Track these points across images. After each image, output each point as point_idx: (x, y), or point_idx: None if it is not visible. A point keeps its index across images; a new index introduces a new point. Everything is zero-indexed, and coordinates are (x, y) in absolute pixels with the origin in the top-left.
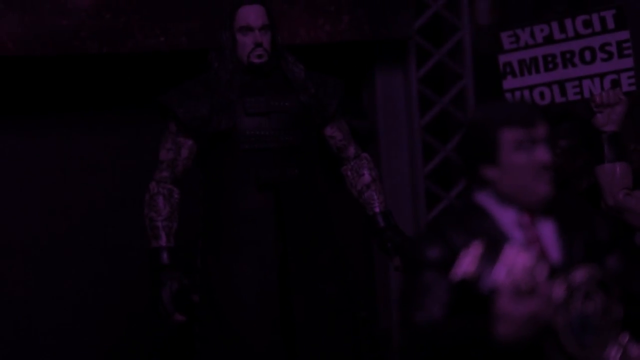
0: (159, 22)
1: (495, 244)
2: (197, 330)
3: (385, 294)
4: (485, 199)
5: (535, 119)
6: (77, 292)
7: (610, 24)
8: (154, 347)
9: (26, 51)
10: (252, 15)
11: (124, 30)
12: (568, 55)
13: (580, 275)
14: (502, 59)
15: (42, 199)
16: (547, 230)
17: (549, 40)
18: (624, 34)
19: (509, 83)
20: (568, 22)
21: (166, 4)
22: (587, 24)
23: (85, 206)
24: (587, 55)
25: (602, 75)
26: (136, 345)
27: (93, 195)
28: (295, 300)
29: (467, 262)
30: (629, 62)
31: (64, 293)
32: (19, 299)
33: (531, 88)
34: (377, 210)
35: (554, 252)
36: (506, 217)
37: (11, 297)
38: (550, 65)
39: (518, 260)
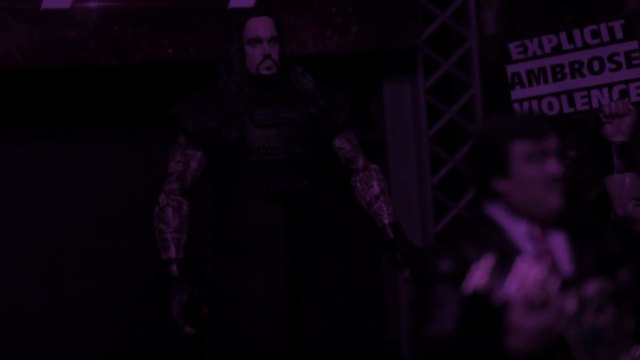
0: (167, 33)
1: (506, 256)
2: (207, 342)
3: (394, 306)
4: (496, 211)
5: (546, 130)
6: (85, 303)
7: (619, 34)
8: (163, 358)
9: (34, 63)
10: (260, 27)
11: (132, 41)
12: (576, 66)
13: (592, 287)
14: (510, 69)
15: (49, 210)
16: (559, 243)
17: (557, 50)
18: (633, 44)
19: (517, 93)
20: (576, 33)
21: (174, 16)
22: (596, 34)
23: (93, 218)
24: (596, 65)
25: (610, 86)
26: (145, 357)
27: (101, 207)
28: (305, 312)
29: (479, 275)
30: (637, 72)
31: (72, 304)
32: (27, 310)
33: (539, 98)
34: (386, 221)
35: (566, 264)
36: (517, 230)
37: (19, 308)
38: (559, 76)
39: (530, 273)
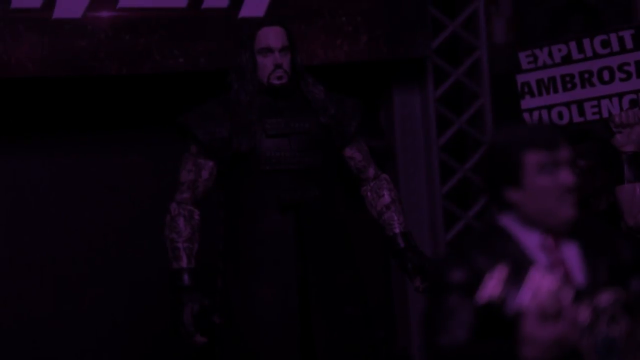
0: (178, 43)
1: (520, 267)
2: (218, 351)
3: (403, 314)
4: (509, 222)
5: (558, 141)
6: (96, 312)
7: (629, 44)
8: None
9: (45, 72)
10: (272, 36)
11: (143, 51)
12: (586, 75)
13: (605, 298)
14: (520, 78)
15: (60, 219)
16: (571, 253)
17: (567, 60)
18: None
19: (527, 103)
20: (586, 42)
21: (185, 25)
22: (605, 43)
23: (104, 227)
24: (606, 75)
25: (620, 95)
26: None
27: (112, 216)
28: (315, 321)
29: (492, 286)
30: None
31: (83, 313)
32: (37, 318)
33: (549, 108)
34: (397, 231)
35: (579, 275)
36: (530, 240)
37: (30, 317)
38: (569, 85)
39: (543, 283)
